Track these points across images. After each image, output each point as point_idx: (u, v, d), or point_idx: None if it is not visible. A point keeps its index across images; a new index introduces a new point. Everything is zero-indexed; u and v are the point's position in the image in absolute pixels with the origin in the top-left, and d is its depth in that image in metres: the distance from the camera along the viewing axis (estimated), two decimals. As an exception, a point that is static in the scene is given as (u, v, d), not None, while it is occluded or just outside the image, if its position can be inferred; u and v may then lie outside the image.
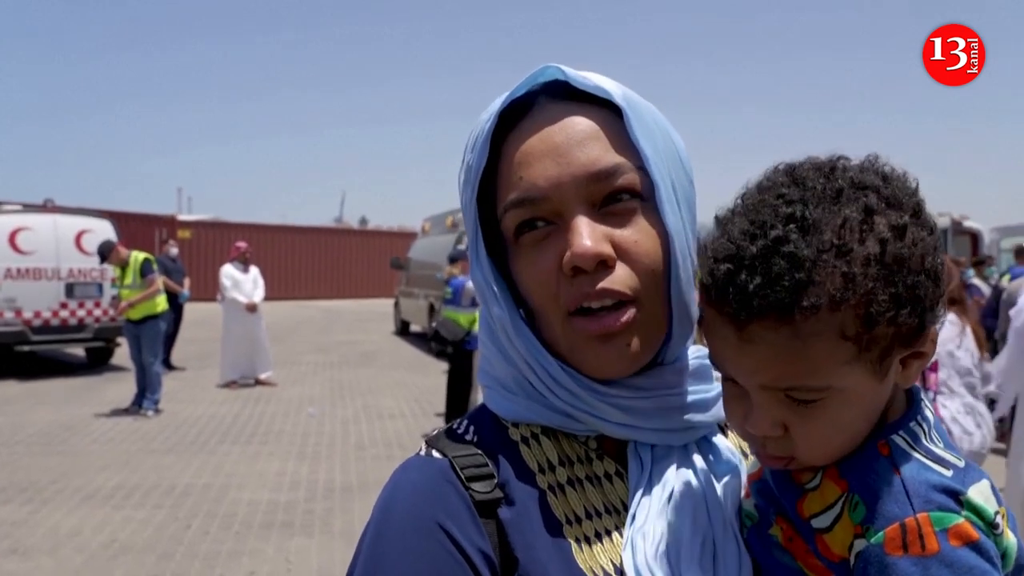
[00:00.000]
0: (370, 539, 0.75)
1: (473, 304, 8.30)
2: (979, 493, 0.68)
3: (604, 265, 0.75)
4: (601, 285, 0.75)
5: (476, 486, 0.76)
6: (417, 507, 0.74)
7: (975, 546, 0.65)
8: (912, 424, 0.73)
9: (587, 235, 0.74)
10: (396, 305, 19.23)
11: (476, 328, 8.25)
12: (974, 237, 15.24)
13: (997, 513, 0.69)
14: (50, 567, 4.84)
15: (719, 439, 0.85)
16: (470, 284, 8.27)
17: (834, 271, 0.64)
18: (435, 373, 9.44)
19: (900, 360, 0.70)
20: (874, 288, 0.64)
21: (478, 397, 9.00)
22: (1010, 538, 0.70)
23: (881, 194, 0.68)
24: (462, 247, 10.04)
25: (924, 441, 0.72)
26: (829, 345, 0.65)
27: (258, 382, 11.50)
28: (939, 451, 0.71)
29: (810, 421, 0.69)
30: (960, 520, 0.66)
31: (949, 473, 0.69)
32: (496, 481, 0.77)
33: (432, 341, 8.62)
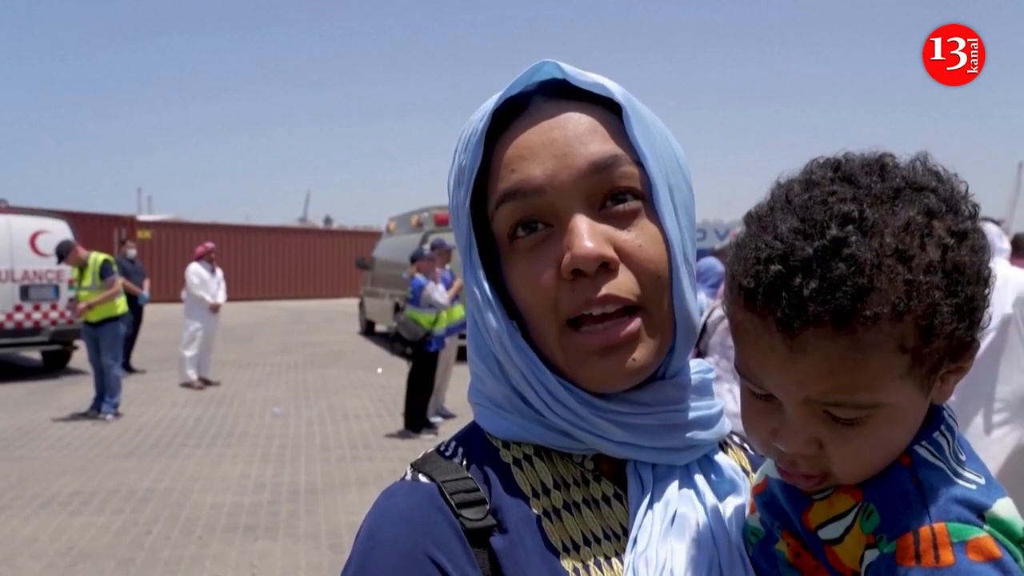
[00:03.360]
0: (354, 571, 0.70)
1: (430, 306, 8.27)
2: (1004, 508, 0.64)
3: (606, 268, 0.71)
4: (605, 291, 0.71)
5: (467, 513, 0.71)
6: (404, 536, 0.69)
7: (998, 564, 0.60)
8: (936, 435, 0.68)
9: (588, 235, 0.70)
10: (361, 305, 19.10)
11: (437, 329, 8.23)
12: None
13: None
14: (6, 576, 4.74)
15: (720, 457, 0.81)
16: (429, 285, 8.27)
17: (897, 278, 0.59)
18: (401, 373, 9.35)
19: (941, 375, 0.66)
20: (937, 298, 0.60)
21: (443, 398, 8.99)
22: None
23: (940, 195, 0.64)
24: (426, 247, 10.00)
25: (948, 453, 0.67)
26: (886, 358, 0.60)
27: (204, 381, 11.37)
28: (960, 467, 0.67)
29: (850, 440, 0.64)
30: (982, 534, 0.61)
31: (973, 487, 0.65)
32: (488, 507, 0.72)
33: (394, 342, 8.57)
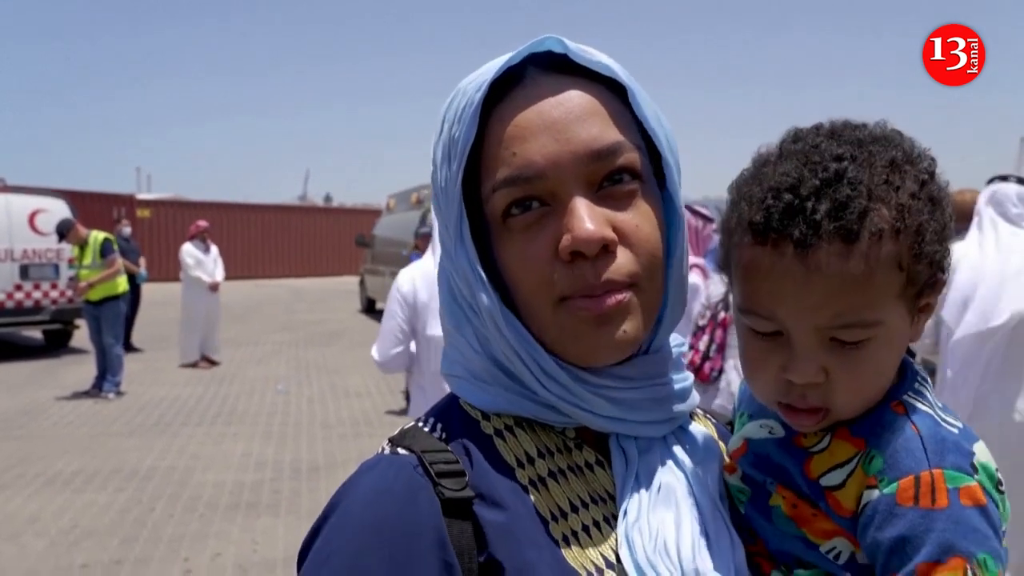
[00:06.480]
0: (324, 538, 0.70)
1: None
2: (982, 452, 0.72)
3: (605, 250, 0.71)
4: (605, 276, 0.71)
5: (447, 483, 0.71)
6: (381, 507, 0.69)
7: (983, 510, 0.67)
8: (916, 384, 0.76)
9: (589, 218, 0.70)
10: (361, 283, 19.07)
11: (438, 306, 8.20)
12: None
13: (998, 470, 0.72)
14: (10, 553, 4.77)
15: (693, 426, 0.83)
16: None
17: (891, 200, 0.69)
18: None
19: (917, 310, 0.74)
20: (923, 220, 0.70)
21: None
22: (1007, 501, 0.72)
23: (906, 145, 0.74)
24: (433, 220, 9.94)
25: (931, 398, 0.75)
26: (888, 275, 0.69)
27: (208, 362, 11.39)
28: (942, 412, 0.74)
29: (853, 364, 0.71)
30: (973, 483, 0.68)
31: (956, 431, 0.72)
32: (467, 479, 0.72)
33: None
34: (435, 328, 3.30)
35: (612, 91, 0.76)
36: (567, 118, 0.73)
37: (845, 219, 0.67)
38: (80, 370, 10.58)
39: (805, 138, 0.74)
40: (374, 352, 3.55)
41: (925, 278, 0.72)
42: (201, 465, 6.52)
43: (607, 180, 0.73)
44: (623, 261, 0.72)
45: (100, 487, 5.98)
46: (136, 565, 4.61)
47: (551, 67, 0.76)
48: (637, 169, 0.74)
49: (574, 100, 0.73)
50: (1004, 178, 3.56)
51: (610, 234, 0.71)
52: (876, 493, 0.69)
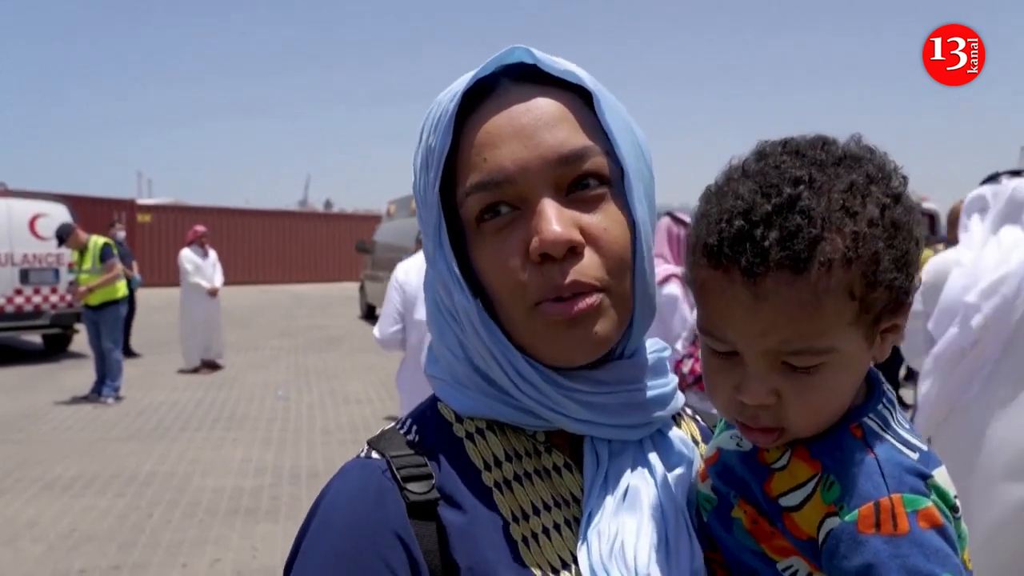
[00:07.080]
0: (307, 542, 0.74)
1: None
2: (942, 477, 0.71)
3: (573, 252, 0.73)
4: (571, 277, 0.72)
5: (412, 487, 0.74)
6: (353, 511, 0.73)
7: (940, 530, 0.67)
8: (880, 407, 0.74)
9: (556, 219, 0.72)
10: (362, 289, 19.07)
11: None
12: (932, 219, 15.44)
13: (956, 497, 0.71)
14: (8, 558, 4.75)
15: (672, 432, 0.84)
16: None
17: (845, 228, 0.67)
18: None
19: (880, 332, 0.73)
20: (879, 249, 0.68)
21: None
22: (963, 524, 0.73)
23: (875, 164, 0.72)
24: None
25: (893, 424, 0.74)
26: (838, 304, 0.67)
27: (211, 366, 11.36)
28: (906, 434, 0.73)
29: (806, 389, 0.70)
30: (929, 504, 0.68)
31: (916, 456, 0.71)
32: (434, 482, 0.75)
33: None
34: (421, 313, 4.13)
35: (582, 99, 0.79)
36: (535, 124, 0.75)
37: (794, 248, 0.66)
38: (79, 375, 10.56)
39: (768, 156, 0.73)
40: (375, 331, 4.36)
41: (882, 304, 0.70)
42: (200, 470, 6.50)
43: (575, 184, 0.75)
44: (590, 263, 0.73)
45: (99, 492, 5.95)
46: (134, 570, 4.59)
47: (523, 77, 0.79)
48: (604, 173, 0.76)
49: (542, 107, 0.76)
50: (1017, 173, 2.97)
51: (577, 236, 0.73)
52: (837, 521, 0.68)
